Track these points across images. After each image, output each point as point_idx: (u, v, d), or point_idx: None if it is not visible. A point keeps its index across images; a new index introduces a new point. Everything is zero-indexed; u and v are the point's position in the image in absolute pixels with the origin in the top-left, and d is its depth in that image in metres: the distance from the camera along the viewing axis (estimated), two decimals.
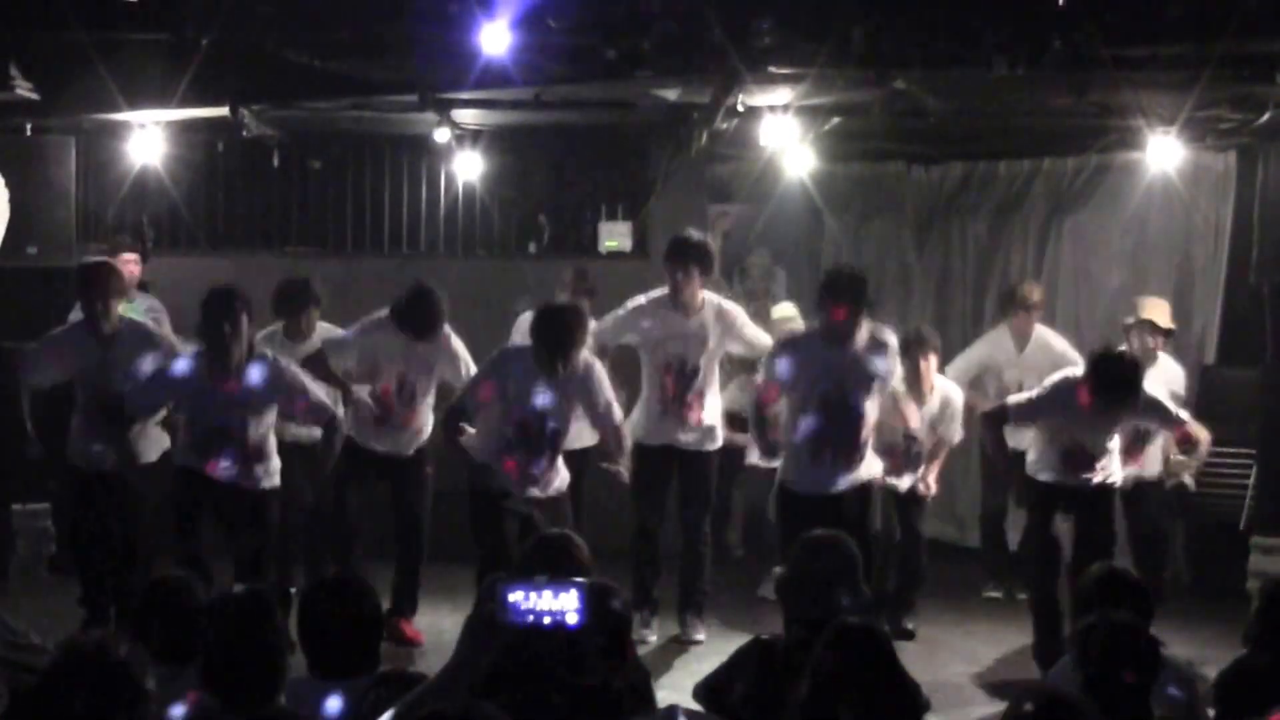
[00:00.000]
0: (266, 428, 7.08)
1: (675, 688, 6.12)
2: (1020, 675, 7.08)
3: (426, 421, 7.72)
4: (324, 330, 8.02)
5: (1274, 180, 9.21)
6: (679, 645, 7.69)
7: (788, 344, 7.38)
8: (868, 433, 7.14)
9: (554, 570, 3.42)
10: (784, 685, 3.98)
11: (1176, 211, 9.66)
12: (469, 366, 7.54)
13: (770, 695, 4.17)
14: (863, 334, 7.05)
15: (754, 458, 8.37)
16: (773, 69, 7.51)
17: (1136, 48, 7.35)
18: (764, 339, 7.86)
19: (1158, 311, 8.28)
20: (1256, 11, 6.95)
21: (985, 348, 8.97)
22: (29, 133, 9.09)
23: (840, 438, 7.05)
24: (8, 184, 7.80)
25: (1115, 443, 7.34)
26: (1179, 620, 7.31)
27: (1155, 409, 7.28)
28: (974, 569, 9.21)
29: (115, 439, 7.26)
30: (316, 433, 7.43)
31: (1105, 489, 7.30)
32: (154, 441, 7.53)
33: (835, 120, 8.89)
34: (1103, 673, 3.95)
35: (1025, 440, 7.63)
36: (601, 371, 7.21)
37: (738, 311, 7.86)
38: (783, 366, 7.16)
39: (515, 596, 2.98)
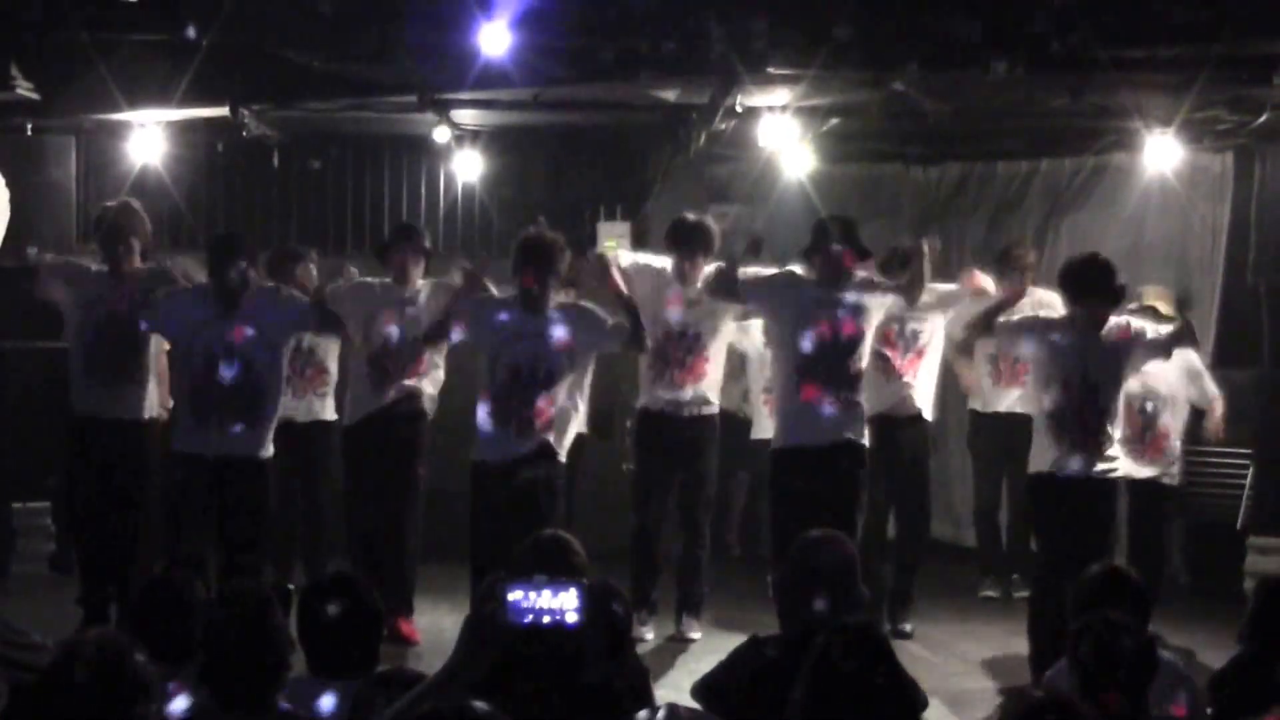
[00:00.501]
0: (272, 367, 7.10)
1: (673, 686, 6.13)
2: (1018, 676, 7.06)
3: (424, 387, 7.66)
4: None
5: (1271, 181, 9.23)
6: (677, 644, 7.70)
7: (781, 278, 7.48)
8: (859, 370, 7.22)
9: (549, 571, 3.43)
10: (782, 684, 3.99)
11: (1174, 212, 9.67)
12: None
13: (768, 694, 4.18)
14: (855, 275, 7.24)
15: (758, 433, 8.41)
16: (771, 70, 7.53)
17: (1134, 49, 7.38)
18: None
19: (1160, 299, 8.20)
20: (1253, 13, 6.98)
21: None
22: (29, 133, 9.11)
23: (833, 379, 7.13)
24: (8, 184, 7.79)
25: (1119, 424, 7.14)
26: (1176, 620, 7.32)
27: (1142, 329, 7.16)
28: (972, 569, 9.22)
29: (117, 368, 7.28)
30: (311, 412, 7.97)
31: (1107, 486, 6.97)
32: (152, 401, 7.49)
33: (834, 121, 8.92)
34: (1098, 673, 3.96)
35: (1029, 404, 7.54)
36: (595, 306, 7.29)
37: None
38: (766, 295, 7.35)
39: (515, 596, 2.99)
